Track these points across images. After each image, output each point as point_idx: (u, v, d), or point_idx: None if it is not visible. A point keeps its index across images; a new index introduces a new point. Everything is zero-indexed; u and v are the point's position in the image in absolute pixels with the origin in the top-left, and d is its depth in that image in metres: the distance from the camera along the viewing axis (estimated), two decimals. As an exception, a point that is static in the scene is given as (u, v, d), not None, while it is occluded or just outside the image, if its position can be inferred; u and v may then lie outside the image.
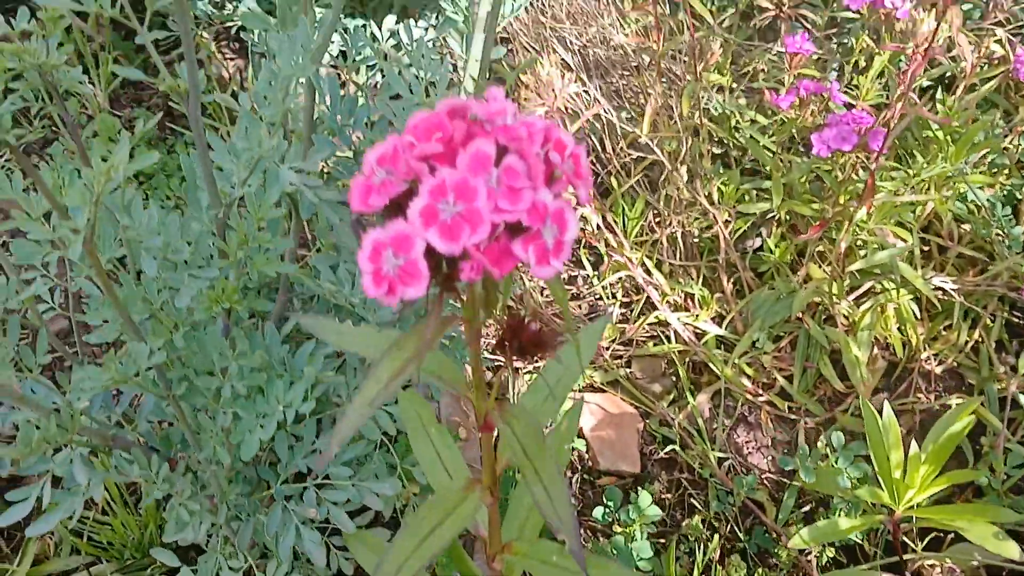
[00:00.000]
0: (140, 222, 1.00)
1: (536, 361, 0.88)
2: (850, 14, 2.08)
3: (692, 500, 1.97)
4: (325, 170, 1.57)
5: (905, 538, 1.81)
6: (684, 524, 1.91)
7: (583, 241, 2.35)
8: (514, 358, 0.87)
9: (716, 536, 1.88)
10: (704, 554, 1.80)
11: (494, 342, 0.88)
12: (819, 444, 1.96)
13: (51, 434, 1.10)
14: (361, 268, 0.77)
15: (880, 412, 1.60)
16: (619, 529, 1.80)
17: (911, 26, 1.86)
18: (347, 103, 1.43)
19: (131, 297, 1.07)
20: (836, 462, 1.70)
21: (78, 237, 0.87)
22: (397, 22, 1.61)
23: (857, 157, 2.02)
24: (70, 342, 1.93)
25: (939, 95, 2.25)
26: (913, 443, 1.61)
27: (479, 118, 0.80)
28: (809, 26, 2.28)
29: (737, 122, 2.27)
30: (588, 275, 2.36)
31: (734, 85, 2.21)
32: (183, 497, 1.31)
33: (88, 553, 1.74)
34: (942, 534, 1.82)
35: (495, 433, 1.00)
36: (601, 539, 1.82)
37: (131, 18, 0.91)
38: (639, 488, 1.92)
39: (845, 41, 2.45)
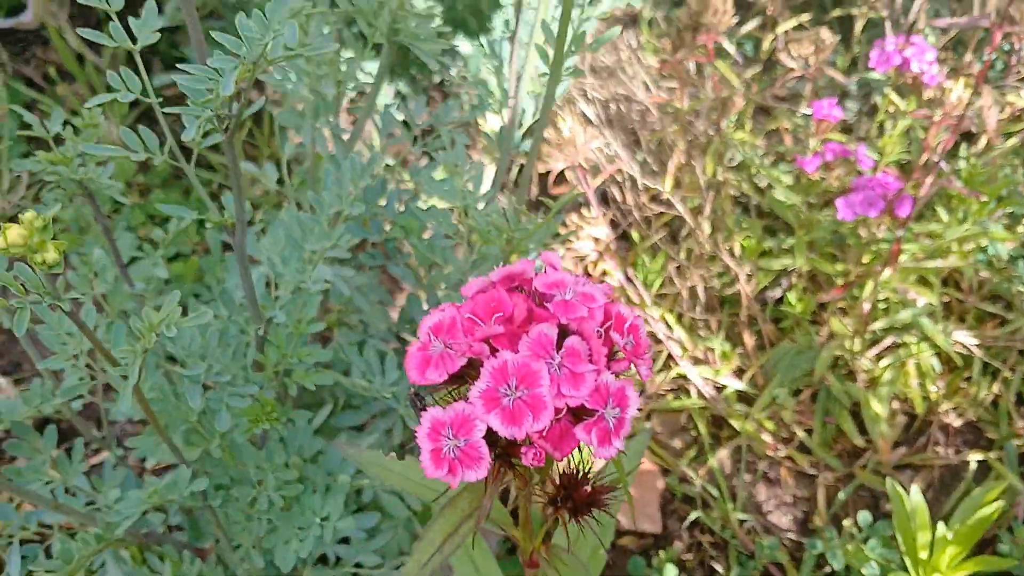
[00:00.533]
0: (183, 343, 0.99)
1: (588, 515, 0.87)
2: (876, 75, 2.07)
3: (713, 563, 1.97)
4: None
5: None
6: (705, 588, 1.92)
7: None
8: (567, 515, 0.87)
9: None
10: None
11: (547, 498, 0.87)
12: (845, 523, 1.96)
13: (91, 549, 1.10)
14: (420, 445, 0.77)
15: (907, 491, 1.60)
16: (642, 600, 1.80)
17: (939, 94, 1.85)
18: (376, 189, 1.42)
19: (173, 422, 1.07)
20: (864, 544, 1.70)
21: (127, 385, 0.87)
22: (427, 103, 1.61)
23: (881, 222, 2.01)
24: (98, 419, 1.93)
25: (962, 151, 2.24)
26: (941, 524, 1.61)
27: (538, 291, 0.79)
28: (835, 88, 2.27)
29: (758, 171, 2.26)
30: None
31: (758, 144, 2.20)
32: (215, 591, 1.31)
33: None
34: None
35: (539, 569, 1.00)
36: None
37: (179, 158, 0.90)
38: (660, 550, 1.92)
39: (871, 99, 2.44)
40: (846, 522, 1.99)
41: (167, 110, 0.78)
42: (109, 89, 0.90)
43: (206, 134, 0.85)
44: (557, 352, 0.75)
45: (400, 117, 1.45)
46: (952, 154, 2.33)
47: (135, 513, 1.04)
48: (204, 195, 0.96)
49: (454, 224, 1.30)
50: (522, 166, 2.61)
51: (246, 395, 1.11)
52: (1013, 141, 2.23)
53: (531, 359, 0.74)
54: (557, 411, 0.74)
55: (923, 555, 1.60)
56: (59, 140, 1.20)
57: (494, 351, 0.76)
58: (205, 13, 2.52)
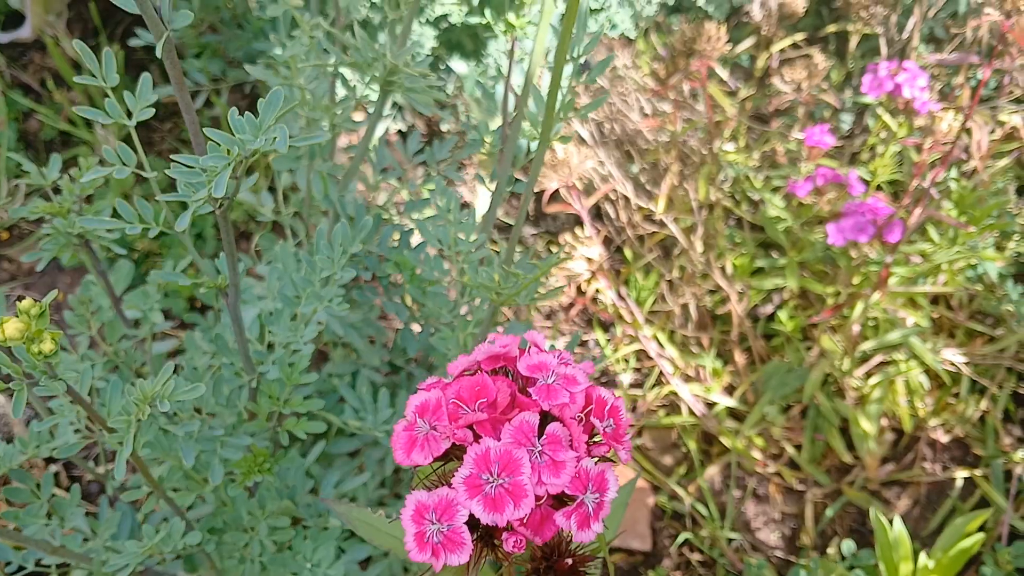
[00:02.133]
0: (178, 404, 1.01)
1: (569, 583, 0.90)
2: (868, 99, 2.09)
3: (701, 581, 2.00)
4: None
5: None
6: (693, 606, 1.95)
7: (595, 314, 2.37)
8: (548, 583, 0.89)
9: (724, 621, 1.91)
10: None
11: (529, 569, 0.90)
12: (829, 550, 1.99)
13: (88, 593, 1.12)
14: (404, 527, 0.79)
15: (895, 507, 1.63)
16: (630, 621, 1.83)
17: (930, 122, 1.86)
18: (363, 226, 1.44)
19: (169, 477, 1.10)
20: (849, 572, 1.73)
21: (123, 453, 0.89)
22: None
23: (871, 245, 2.03)
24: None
25: (953, 172, 2.25)
26: (923, 555, 1.64)
27: (521, 374, 0.82)
28: (821, 108, 2.28)
29: (751, 188, 2.27)
30: (600, 340, 2.38)
31: (751, 162, 2.22)
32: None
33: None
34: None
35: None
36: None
37: (172, 226, 0.92)
38: (649, 570, 1.96)
39: (864, 116, 2.45)
40: (830, 549, 2.02)
41: (163, 197, 0.80)
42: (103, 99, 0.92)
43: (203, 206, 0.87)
44: (539, 439, 0.77)
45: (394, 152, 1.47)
46: (944, 174, 2.34)
47: (132, 563, 1.07)
48: (198, 259, 0.98)
49: (445, 268, 1.32)
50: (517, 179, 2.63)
51: (239, 447, 1.13)
52: (1005, 162, 2.24)
53: (513, 447, 0.77)
54: (538, 498, 0.77)
55: (905, 584, 1.63)
56: (57, 188, 1.22)
57: (477, 437, 0.79)
58: (203, 29, 2.53)
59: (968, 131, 1.86)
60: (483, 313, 1.34)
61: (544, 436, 0.77)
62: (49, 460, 2.06)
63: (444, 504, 0.77)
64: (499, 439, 0.77)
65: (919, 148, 1.96)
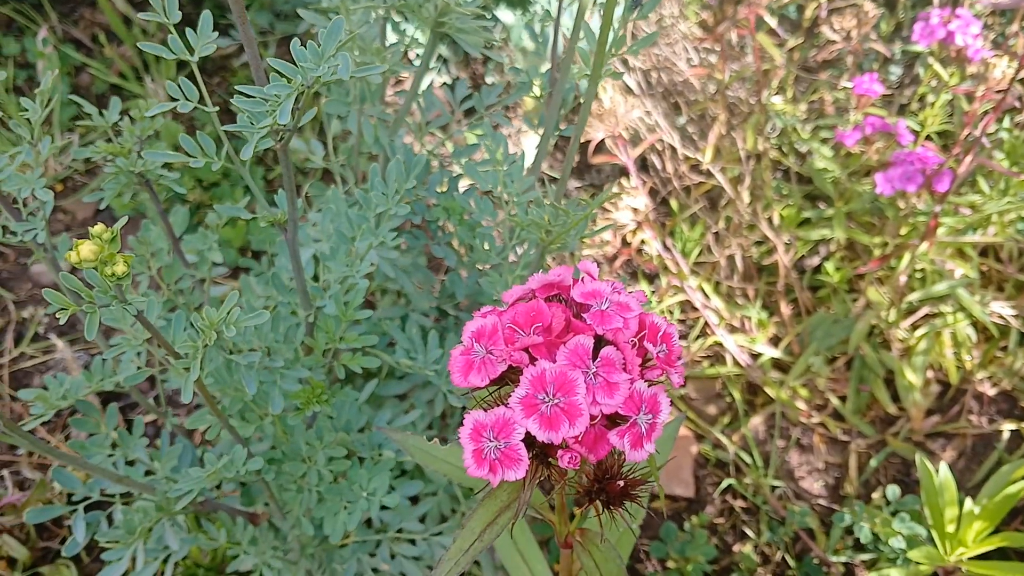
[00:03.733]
0: (232, 335, 1.05)
1: (620, 507, 0.92)
2: (920, 47, 2.06)
3: (745, 528, 2.02)
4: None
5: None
6: (736, 551, 1.97)
7: (640, 266, 2.38)
8: (600, 506, 0.92)
9: (766, 565, 1.93)
10: (756, 588, 1.86)
11: (582, 490, 0.92)
12: (874, 495, 2.00)
13: (151, 519, 1.17)
14: (462, 444, 0.82)
15: (940, 459, 1.63)
16: (673, 564, 1.86)
17: (983, 69, 1.84)
18: (416, 164, 1.46)
19: (229, 401, 1.13)
20: (891, 517, 1.73)
21: (189, 378, 0.92)
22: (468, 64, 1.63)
23: (919, 195, 2.02)
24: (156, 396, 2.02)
25: (1006, 122, 2.22)
26: (968, 500, 1.65)
27: (576, 301, 0.83)
28: (864, 59, 2.25)
29: (799, 138, 2.26)
30: (645, 291, 2.39)
31: (799, 112, 2.20)
32: (265, 555, 1.39)
33: (162, 572, 1.84)
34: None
35: (573, 550, 1.05)
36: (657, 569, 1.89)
37: (234, 160, 0.95)
38: (693, 515, 1.98)
39: (914, 67, 2.42)
40: (875, 494, 2.02)
41: (227, 127, 0.82)
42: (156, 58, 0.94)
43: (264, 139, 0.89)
44: (593, 362, 0.79)
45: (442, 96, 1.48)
46: (996, 123, 2.31)
47: (194, 490, 1.11)
48: (258, 192, 1.01)
49: (494, 210, 1.33)
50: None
51: (298, 379, 1.17)
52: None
53: (568, 368, 0.79)
54: (592, 417, 0.79)
55: (950, 529, 1.64)
56: (117, 128, 1.25)
57: (533, 359, 0.81)
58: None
59: (1022, 80, 1.83)
60: (530, 257, 1.36)
61: (598, 359, 0.79)
62: (107, 400, 2.12)
63: (501, 423, 0.79)
64: (554, 361, 0.79)
65: (971, 97, 1.94)
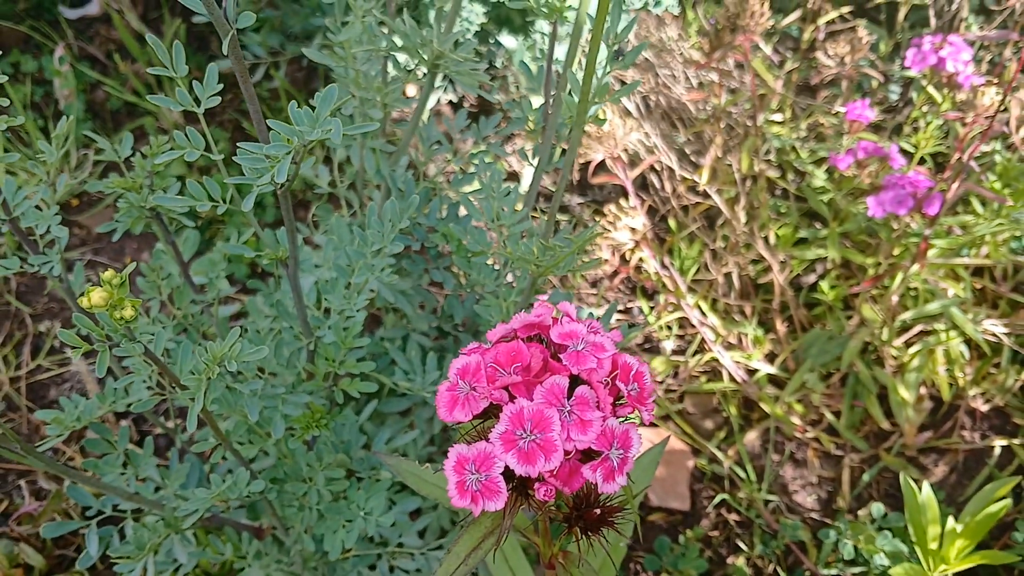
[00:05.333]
0: (233, 369, 1.11)
1: (597, 534, 0.98)
2: (912, 72, 2.11)
3: (738, 541, 2.07)
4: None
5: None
6: (730, 564, 2.02)
7: (639, 283, 2.43)
8: (579, 532, 0.98)
9: (759, 578, 1.99)
10: (747, 601, 1.91)
11: (561, 517, 0.98)
12: (860, 513, 2.05)
13: (160, 535, 1.23)
14: (447, 475, 0.88)
15: (931, 472, 1.68)
16: (667, 576, 1.92)
17: (972, 96, 1.88)
18: (420, 199, 1.52)
19: (236, 430, 1.20)
20: (875, 535, 1.78)
21: (194, 409, 0.99)
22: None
23: (912, 216, 2.06)
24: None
25: (998, 145, 2.27)
26: (951, 519, 1.69)
27: (554, 341, 0.89)
28: (862, 78, 2.30)
29: (797, 158, 2.31)
30: (643, 308, 2.45)
31: (795, 135, 2.25)
32: (270, 567, 1.45)
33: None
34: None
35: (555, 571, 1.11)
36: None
37: (237, 204, 1.01)
38: (688, 528, 2.03)
39: (910, 89, 2.47)
40: (861, 511, 2.07)
41: (230, 180, 0.88)
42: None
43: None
44: (568, 400, 0.85)
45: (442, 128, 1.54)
46: (989, 146, 2.36)
47: (200, 508, 1.18)
48: (260, 231, 1.07)
49: (489, 239, 1.39)
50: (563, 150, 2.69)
51: (298, 404, 1.23)
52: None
53: (545, 407, 0.85)
54: (567, 452, 0.85)
55: (933, 546, 1.69)
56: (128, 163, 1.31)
57: (512, 397, 0.87)
58: (263, 4, 2.61)
59: (1011, 107, 1.88)
60: (524, 283, 1.42)
61: (573, 397, 0.85)
62: (120, 416, 2.19)
63: (482, 456, 0.85)
64: (532, 400, 0.85)
65: (963, 122, 1.99)
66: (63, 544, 1.99)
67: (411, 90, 2.51)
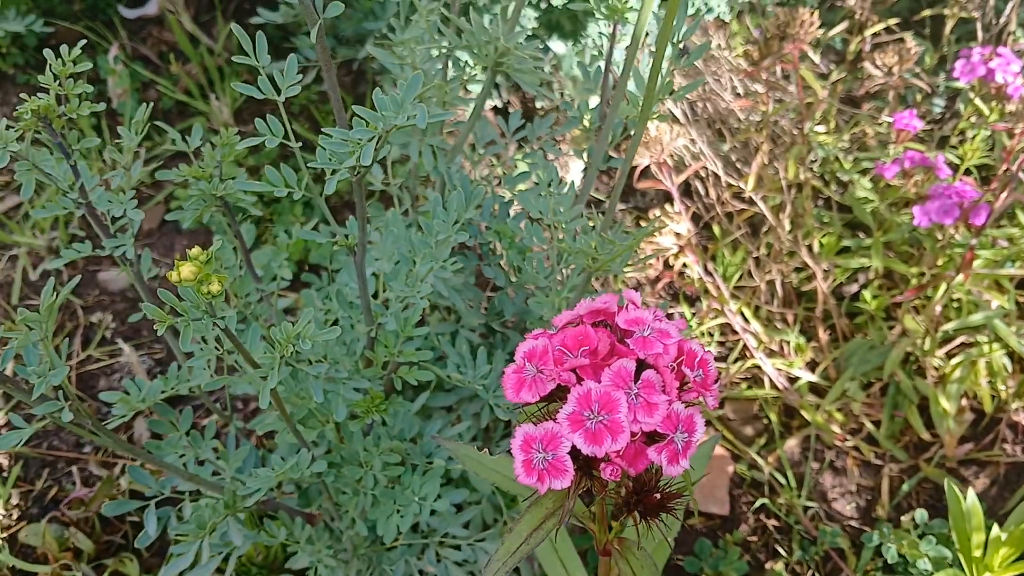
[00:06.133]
0: (306, 348, 1.14)
1: (656, 518, 1.00)
2: (961, 83, 2.11)
3: (777, 546, 2.08)
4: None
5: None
6: (768, 569, 2.03)
7: (681, 288, 2.45)
8: (637, 516, 1.00)
9: (798, 584, 1.99)
10: (786, 605, 1.92)
11: (621, 501, 1.00)
12: (903, 518, 2.05)
13: (220, 516, 1.27)
14: (513, 454, 0.90)
15: (972, 486, 1.69)
16: (707, 578, 1.93)
17: (1021, 107, 1.89)
18: (475, 196, 1.55)
19: (298, 412, 1.23)
20: (919, 540, 1.79)
21: (266, 387, 1.02)
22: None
23: (956, 227, 2.07)
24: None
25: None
26: (995, 527, 1.70)
27: (620, 327, 0.92)
28: (907, 91, 2.31)
29: (841, 168, 2.32)
30: (686, 314, 2.46)
31: (840, 144, 2.27)
32: (321, 553, 1.48)
33: (218, 569, 1.94)
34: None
35: (611, 557, 1.13)
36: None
37: (312, 191, 1.04)
38: (727, 533, 2.05)
39: (956, 100, 2.47)
40: (904, 517, 2.07)
41: (311, 164, 0.92)
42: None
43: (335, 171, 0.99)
44: (635, 383, 0.88)
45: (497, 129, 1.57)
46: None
47: (263, 489, 1.21)
48: (330, 216, 1.10)
49: (543, 235, 1.42)
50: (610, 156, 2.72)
51: (359, 389, 1.26)
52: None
53: (612, 389, 0.87)
54: (633, 434, 0.87)
55: (977, 554, 1.69)
56: (198, 152, 1.35)
57: (580, 379, 0.89)
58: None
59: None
60: (577, 280, 1.44)
61: (639, 381, 0.88)
62: (173, 403, 2.23)
63: (549, 436, 0.88)
64: (599, 382, 0.88)
65: (1011, 134, 1.99)
66: (112, 530, 2.03)
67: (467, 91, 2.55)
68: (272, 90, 1.00)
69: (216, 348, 1.13)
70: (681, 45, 1.13)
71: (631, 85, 1.26)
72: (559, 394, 0.92)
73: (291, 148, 1.14)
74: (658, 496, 0.98)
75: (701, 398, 0.91)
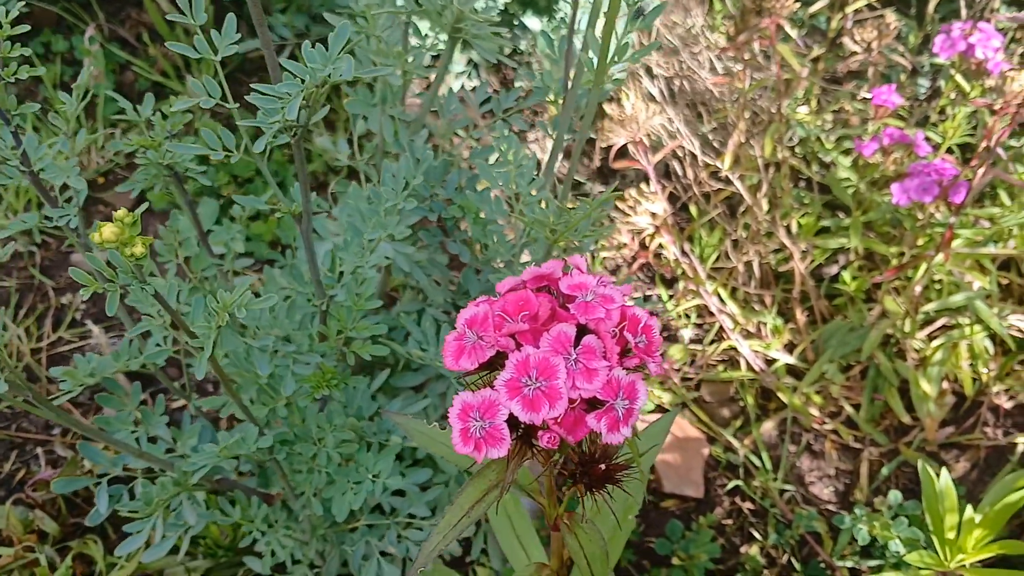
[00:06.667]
0: (254, 316, 1.11)
1: (602, 490, 0.97)
2: (941, 59, 2.08)
3: (752, 530, 2.05)
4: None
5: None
6: (743, 553, 2.01)
7: (658, 270, 2.42)
8: (583, 489, 0.97)
9: (772, 567, 1.97)
10: (759, 588, 1.90)
11: (566, 473, 0.97)
12: (876, 501, 2.02)
13: (168, 493, 1.24)
14: (451, 423, 0.87)
15: (950, 469, 1.66)
16: (678, 561, 1.90)
17: (1001, 83, 1.86)
18: (438, 169, 1.51)
19: (245, 382, 1.20)
20: (891, 521, 1.76)
21: (203, 356, 0.99)
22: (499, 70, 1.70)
23: (936, 207, 2.04)
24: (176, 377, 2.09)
25: (1028, 136, 2.24)
26: (969, 508, 1.67)
27: (563, 292, 0.89)
28: (890, 71, 2.27)
29: (821, 148, 2.29)
30: (662, 295, 2.43)
31: (820, 123, 2.24)
32: (278, 533, 1.45)
33: (187, 552, 1.91)
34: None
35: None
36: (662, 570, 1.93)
37: (252, 154, 1.01)
38: (701, 515, 2.02)
39: (938, 79, 2.44)
40: (877, 499, 2.05)
41: (242, 123, 0.89)
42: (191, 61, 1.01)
43: (279, 133, 0.96)
44: (574, 349, 0.84)
45: (467, 96, 1.54)
46: (1015, 138, 2.32)
47: (207, 464, 1.18)
48: (275, 186, 1.07)
49: (505, 209, 1.39)
50: (590, 139, 2.68)
51: (310, 363, 1.23)
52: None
53: (551, 354, 0.84)
54: (572, 401, 0.84)
55: (950, 535, 1.66)
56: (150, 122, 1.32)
57: (519, 345, 0.86)
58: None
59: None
60: (539, 256, 1.41)
61: (579, 346, 0.84)
62: (134, 375, 2.20)
63: (487, 404, 0.85)
64: (538, 348, 0.85)
65: (991, 110, 1.96)
66: (78, 512, 2.00)
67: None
68: (209, 50, 0.97)
69: (160, 317, 1.10)
70: (637, 6, 1.10)
71: (591, 53, 1.22)
72: (499, 361, 0.89)
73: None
74: (603, 467, 0.95)
75: (644, 364, 0.88)
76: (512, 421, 0.85)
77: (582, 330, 0.86)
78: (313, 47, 0.85)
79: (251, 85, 0.84)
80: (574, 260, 0.94)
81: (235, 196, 1.09)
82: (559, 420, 0.84)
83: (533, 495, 1.08)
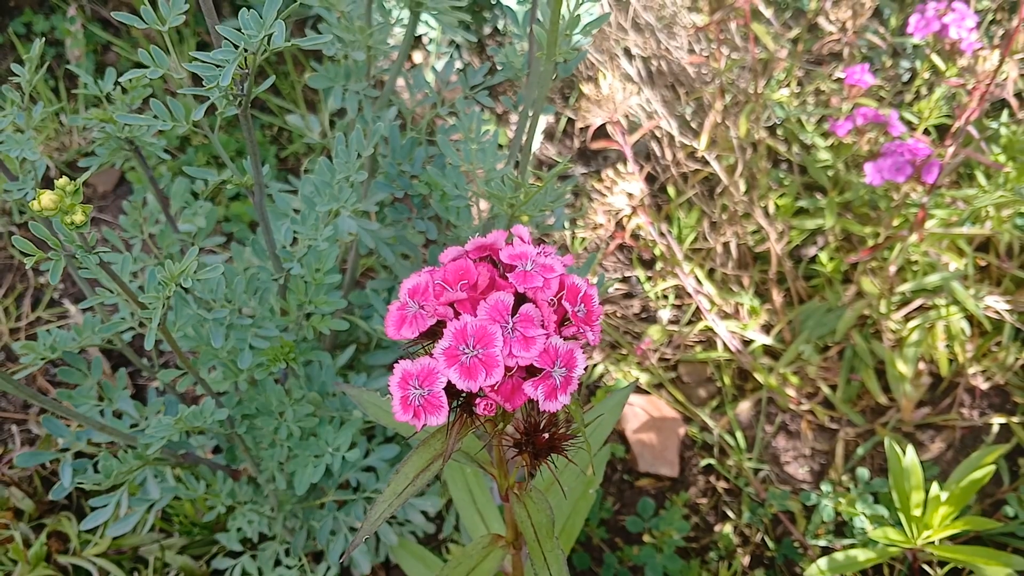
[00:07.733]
0: (210, 288, 1.12)
1: (546, 459, 0.98)
2: (915, 39, 2.08)
3: (726, 508, 2.06)
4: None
5: (925, 567, 1.88)
6: (716, 531, 2.01)
7: (636, 250, 2.42)
8: (529, 458, 0.97)
9: (746, 546, 1.97)
10: (730, 567, 1.90)
11: (512, 442, 0.98)
12: (843, 478, 2.03)
13: (130, 466, 1.24)
14: (391, 392, 0.88)
15: (904, 452, 1.67)
16: (650, 539, 1.91)
17: (973, 62, 1.86)
18: (405, 147, 1.51)
19: (206, 357, 1.20)
20: (856, 499, 1.77)
21: (152, 327, 0.99)
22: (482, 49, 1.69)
23: (912, 187, 2.04)
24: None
25: (1004, 117, 2.23)
26: (935, 485, 1.68)
27: (503, 262, 0.89)
28: (872, 52, 2.27)
29: (801, 129, 2.29)
30: (640, 276, 2.43)
31: (797, 103, 2.23)
32: (244, 508, 1.46)
33: (161, 529, 1.92)
34: (959, 570, 1.88)
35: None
36: (634, 548, 1.93)
37: (201, 126, 1.01)
38: (675, 493, 2.03)
39: (908, 64, 2.44)
40: (844, 476, 2.05)
41: (183, 91, 0.89)
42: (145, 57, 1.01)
43: (227, 104, 0.96)
44: (512, 317, 0.85)
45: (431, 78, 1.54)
46: (994, 119, 2.32)
47: (164, 436, 1.18)
48: (227, 159, 1.07)
49: (469, 186, 1.39)
50: (569, 118, 2.68)
51: (268, 337, 1.23)
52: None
53: (488, 323, 0.84)
54: (509, 369, 0.84)
55: (916, 512, 1.67)
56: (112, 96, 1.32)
57: (458, 314, 0.86)
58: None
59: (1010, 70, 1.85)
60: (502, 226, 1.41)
61: (517, 315, 0.85)
62: (106, 352, 2.20)
63: (425, 372, 0.85)
64: (476, 316, 0.85)
65: (965, 89, 1.96)
66: (54, 490, 2.01)
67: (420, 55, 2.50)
68: (156, 20, 0.97)
69: (110, 292, 1.10)
70: (589, -21, 1.10)
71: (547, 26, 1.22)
72: (440, 330, 0.89)
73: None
74: (546, 436, 0.96)
75: (581, 332, 0.88)
76: (451, 389, 0.86)
77: (521, 299, 0.87)
78: (294, 29, 0.86)
79: (191, 54, 0.84)
80: (517, 230, 0.94)
81: (186, 168, 1.09)
82: (496, 388, 0.85)
83: (484, 466, 1.08)
